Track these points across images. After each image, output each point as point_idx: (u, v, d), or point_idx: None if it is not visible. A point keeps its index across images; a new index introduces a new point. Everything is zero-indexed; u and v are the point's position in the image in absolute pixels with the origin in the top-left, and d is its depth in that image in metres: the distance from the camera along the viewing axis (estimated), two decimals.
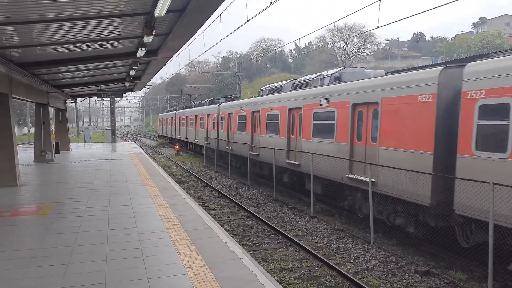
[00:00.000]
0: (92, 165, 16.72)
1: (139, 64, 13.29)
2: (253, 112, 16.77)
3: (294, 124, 13.50)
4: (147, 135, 67.99)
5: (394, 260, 7.90)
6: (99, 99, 33.77)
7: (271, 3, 10.69)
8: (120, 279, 4.93)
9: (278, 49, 73.21)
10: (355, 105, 10.21)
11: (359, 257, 8.08)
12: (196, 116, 26.96)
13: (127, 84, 20.09)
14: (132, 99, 79.64)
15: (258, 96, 17.49)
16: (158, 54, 11.39)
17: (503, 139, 6.39)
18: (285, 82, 16.15)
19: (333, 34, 67.80)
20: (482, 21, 73.36)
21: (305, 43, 79.99)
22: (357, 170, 9.95)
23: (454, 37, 67.79)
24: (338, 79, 12.10)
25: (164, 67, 17.14)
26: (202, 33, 15.25)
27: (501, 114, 6.45)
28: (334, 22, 16.03)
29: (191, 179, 18.49)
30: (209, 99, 27.89)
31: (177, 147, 32.14)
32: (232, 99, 22.83)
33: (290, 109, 13.62)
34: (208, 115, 24.01)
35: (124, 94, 26.19)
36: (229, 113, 20.09)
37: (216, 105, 22.70)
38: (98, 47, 10.32)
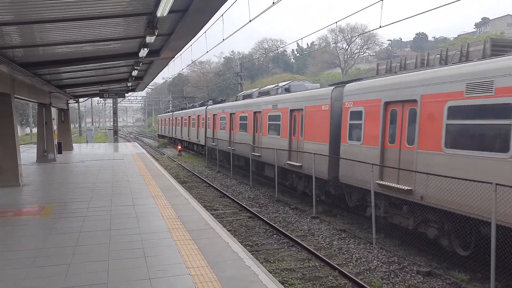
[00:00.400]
0: (95, 165, 16.76)
1: (142, 64, 13.31)
2: (230, 114, 20.37)
3: (257, 124, 16.78)
4: (149, 135, 68.08)
5: (396, 260, 7.88)
6: (102, 99, 33.91)
7: (273, 3, 10.69)
8: (122, 279, 4.93)
9: (280, 49, 73.25)
10: (292, 111, 13.77)
11: (361, 258, 8.06)
12: (189, 117, 30.53)
13: (129, 84, 20.12)
14: (134, 99, 79.80)
15: (236, 100, 20.91)
16: (160, 54, 11.40)
17: (360, 132, 10.08)
18: (254, 90, 19.60)
19: (335, 35, 67.72)
20: (485, 21, 73.13)
21: (307, 43, 79.92)
22: (294, 159, 13.56)
23: (456, 38, 67.59)
24: (287, 90, 15.33)
25: (167, 67, 17.28)
26: (205, 33, 15.27)
27: (359, 117, 10.20)
28: (336, 22, 16.02)
29: (193, 179, 18.50)
30: (200, 102, 31.65)
31: (179, 147, 32.21)
32: (219, 102, 25.84)
33: (255, 112, 16.99)
34: (198, 116, 27.70)
35: (126, 94, 26.24)
36: (214, 115, 23.69)
37: (204, 107, 26.24)
38: (100, 47, 10.34)
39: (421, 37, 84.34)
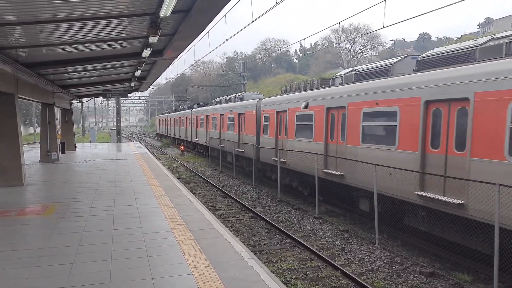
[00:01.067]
0: (98, 165, 16.81)
1: (145, 64, 13.33)
2: (207, 116, 26.68)
3: (222, 123, 22.99)
4: (152, 135, 68.19)
5: (399, 261, 7.86)
6: (105, 99, 34.07)
7: (276, 3, 10.68)
8: (125, 279, 4.94)
9: (283, 49, 73.18)
10: (240, 114, 19.86)
11: (364, 258, 8.04)
12: (180, 118, 37.11)
13: (132, 84, 20.17)
14: (137, 99, 79.86)
15: (212, 105, 27.17)
16: (163, 54, 11.42)
17: (269, 129, 15.62)
18: (222, 98, 26.35)
19: (338, 35, 67.60)
20: (488, 21, 72.79)
21: (310, 44, 79.82)
22: (240, 147, 19.39)
23: (460, 38, 67.32)
24: (241, 98, 21.76)
25: (169, 68, 17.48)
26: (207, 34, 15.28)
27: (267, 119, 16.05)
28: (339, 23, 15.99)
29: (196, 179, 18.53)
30: (189, 105, 38.51)
31: (182, 147, 32.29)
32: (202, 106, 31.62)
33: (220, 114, 23.34)
34: (186, 117, 34.22)
35: (129, 94, 26.29)
36: (196, 116, 30.22)
37: (190, 110, 33.01)
38: (103, 47, 10.37)
39: (424, 37, 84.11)
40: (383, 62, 10.97)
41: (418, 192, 8.09)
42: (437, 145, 8.05)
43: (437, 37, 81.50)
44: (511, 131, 6.48)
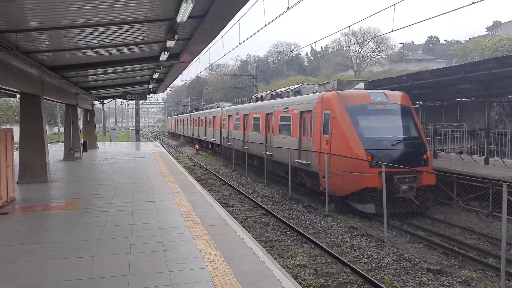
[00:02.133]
0: (118, 163, 17.04)
1: (162, 67, 13.46)
2: (205, 117, 32.03)
3: (214, 123, 28.44)
4: (169, 135, 68.75)
5: (407, 258, 7.75)
6: (125, 100, 34.49)
7: (288, 8, 10.65)
8: (143, 271, 5.00)
9: (295, 52, 72.91)
10: (215, 117, 28.16)
11: (372, 255, 7.96)
12: (186, 119, 44.07)
13: (150, 86, 20.37)
14: (155, 101, 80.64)
15: (203, 110, 34.58)
16: (180, 57, 11.50)
17: (227, 125, 24.14)
18: (209, 105, 36.00)
19: (348, 38, 66.95)
20: (497, 24, 71.03)
21: (321, 47, 79.34)
22: (211, 136, 29.26)
23: (468, 40, 65.87)
24: (218, 106, 29.30)
25: (185, 70, 17.58)
26: (222, 38, 15.34)
27: (224, 120, 24.92)
28: (349, 26, 15.86)
29: (210, 177, 18.61)
30: (192, 108, 48.10)
31: (197, 146, 32.50)
32: (199, 110, 38.57)
33: (205, 117, 31.43)
34: (187, 119, 42.62)
35: (147, 96, 26.58)
36: (193, 118, 38.37)
37: (189, 114, 41.80)
38: (123, 51, 10.50)
39: (433, 40, 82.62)
40: (288, 88, 17.87)
41: (297, 160, 13.75)
42: (304, 134, 13.70)
43: (446, 40, 79.96)
44: (323, 125, 12.19)
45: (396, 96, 12.15)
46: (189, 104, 71.71)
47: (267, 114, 17.27)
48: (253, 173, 18.87)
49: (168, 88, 30.08)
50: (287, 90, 17.25)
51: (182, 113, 52.89)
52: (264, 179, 16.55)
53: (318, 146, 12.28)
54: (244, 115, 20.72)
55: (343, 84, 13.12)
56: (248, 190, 15.21)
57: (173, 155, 26.96)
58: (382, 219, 9.02)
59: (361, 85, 13.34)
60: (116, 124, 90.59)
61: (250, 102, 21.28)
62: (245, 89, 51.36)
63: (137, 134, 33.65)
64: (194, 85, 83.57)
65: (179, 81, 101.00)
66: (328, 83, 13.66)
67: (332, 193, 11.44)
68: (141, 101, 37.07)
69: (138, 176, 13.09)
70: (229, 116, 24.07)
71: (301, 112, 13.86)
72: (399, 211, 10.24)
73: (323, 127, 12.13)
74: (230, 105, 26.54)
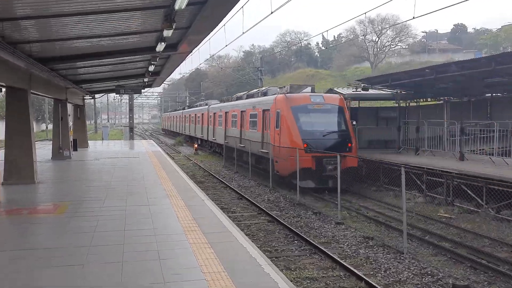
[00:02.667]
0: (110, 163, 17.18)
1: (158, 59, 13.54)
2: (190, 115, 39.50)
3: (196, 120, 35.94)
4: (163, 132, 69.04)
5: (429, 272, 7.70)
6: (118, 95, 34.80)
7: None
8: (136, 282, 5.06)
9: (304, 42, 72.67)
10: (196, 114, 36.51)
11: (390, 268, 7.94)
12: (179, 116, 49.26)
13: (146, 79, 20.51)
14: (150, 95, 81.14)
15: (194, 107, 41.65)
16: (178, 48, 11.56)
17: (214, 121, 29.04)
18: (187, 109, 45.19)
19: (364, 26, 66.64)
20: None
21: (334, 36, 79.02)
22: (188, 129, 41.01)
23: (500, 29, 65.21)
24: (192, 107, 42.75)
25: (184, 62, 17.63)
26: (224, 26, 15.36)
27: (211, 117, 29.81)
28: (365, 13, 15.84)
29: (210, 180, 18.71)
30: (184, 106, 55.33)
31: (196, 146, 32.67)
32: (191, 107, 45.37)
33: (184, 115, 43.68)
34: (180, 115, 47.90)
35: (142, 90, 26.75)
36: (185, 115, 43.42)
37: (182, 111, 47.73)
38: (117, 41, 10.59)
39: (459, 29, 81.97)
40: (258, 90, 22.74)
41: (260, 149, 18.29)
42: (266, 128, 18.02)
43: (474, 28, 79.30)
44: (275, 120, 16.74)
45: (332, 98, 17.09)
46: (187, 98, 72.05)
47: (241, 111, 21.81)
48: (256, 176, 18.92)
49: (164, 82, 30.28)
50: (258, 91, 22.44)
51: (176, 110, 59.44)
52: (269, 182, 16.60)
53: (273, 137, 16.77)
54: (226, 112, 25.41)
55: (294, 88, 17.83)
56: (251, 194, 15.27)
57: (169, 155, 27.07)
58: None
59: (308, 89, 17.86)
60: (108, 121, 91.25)
61: (232, 101, 26.12)
62: (249, 82, 51.38)
63: (131, 131, 33.87)
64: (193, 78, 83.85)
65: (176, 74, 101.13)
66: (284, 87, 18.67)
67: (281, 174, 16.25)
68: (135, 96, 37.31)
69: (131, 177, 13.19)
70: (214, 113, 28.76)
71: (263, 111, 18.38)
72: (326, 186, 14.93)
73: (276, 122, 16.63)
74: (217, 103, 31.91)
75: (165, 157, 19.97)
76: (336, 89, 23.61)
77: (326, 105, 16.55)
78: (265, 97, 19.61)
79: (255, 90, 23.78)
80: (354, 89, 21.41)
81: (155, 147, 26.93)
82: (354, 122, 19.81)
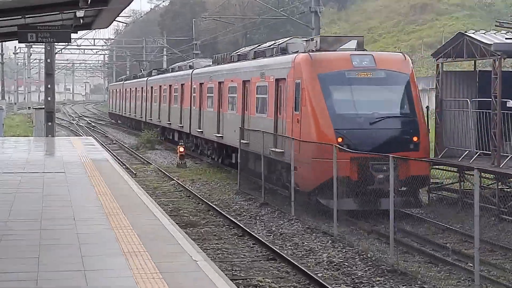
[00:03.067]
0: (6, 183, 17.34)
1: None
2: (161, 86, 49.23)
3: (152, 95, 52.74)
4: (111, 119, 70.01)
5: None
6: (23, 44, 35.40)
7: None
8: None
9: None
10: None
11: None
12: (138, 88, 58.25)
13: (80, 13, 20.56)
14: (90, 46, 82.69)
15: (168, 73, 50.49)
16: None
17: (200, 99, 38.00)
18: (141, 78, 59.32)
19: None
20: None
21: None
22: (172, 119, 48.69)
23: None
24: (191, 67, 44.90)
25: None
26: None
27: (195, 91, 39.58)
28: None
29: (209, 218, 19.09)
30: (151, 70, 61.94)
31: (181, 149, 32.91)
32: (161, 73, 52.80)
33: (135, 88, 63.45)
34: (141, 88, 56.41)
35: (73, 35, 27.01)
36: (151, 86, 51.78)
37: (145, 79, 55.05)
38: None
39: None
40: (273, 43, 25.38)
41: (271, 148, 20.59)
42: (280, 111, 20.52)
43: None
44: (294, 98, 19.14)
45: (389, 60, 18.38)
46: (164, 52, 72.93)
47: (243, 82, 24.44)
48: (305, 213, 18.91)
49: (118, 18, 30.32)
50: (271, 47, 24.61)
51: (137, 77, 64.73)
52: (333, 223, 16.47)
53: (290, 126, 18.70)
54: (219, 82, 28.51)
55: (327, 42, 19.41)
56: (295, 250, 15.45)
57: (128, 168, 27.26)
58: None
59: (352, 43, 19.35)
60: (3, 98, 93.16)
61: (229, 62, 28.93)
62: (290, 21, 51.45)
63: (49, 119, 34.24)
64: (176, 11, 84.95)
65: (144, 5, 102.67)
66: (312, 39, 19.86)
67: (301, 188, 18.16)
68: (59, 47, 37.74)
69: (50, 214, 13.21)
70: (201, 83, 31.83)
71: (277, 81, 20.44)
72: (374, 208, 16.24)
73: (294, 101, 18.50)
74: (208, 64, 35.10)
75: (118, 172, 20.05)
76: (471, 34, 23.14)
77: (379, 72, 18.10)
78: (281, 56, 21.32)
79: (268, 44, 26.34)
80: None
81: (99, 151, 27.15)
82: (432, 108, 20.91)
